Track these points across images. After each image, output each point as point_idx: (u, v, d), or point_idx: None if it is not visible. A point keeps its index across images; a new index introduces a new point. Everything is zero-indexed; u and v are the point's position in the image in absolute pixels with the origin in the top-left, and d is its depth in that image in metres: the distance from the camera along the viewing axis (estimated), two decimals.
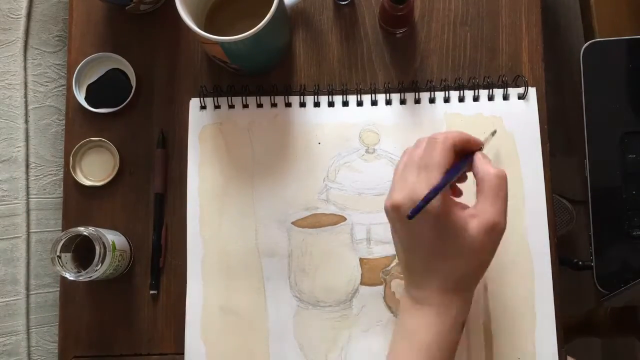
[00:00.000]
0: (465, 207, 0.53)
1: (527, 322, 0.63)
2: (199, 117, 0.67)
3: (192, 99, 0.68)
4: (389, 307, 0.64)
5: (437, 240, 0.51)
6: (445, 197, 0.51)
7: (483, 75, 0.67)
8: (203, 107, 0.68)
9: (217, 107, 0.68)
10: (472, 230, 0.50)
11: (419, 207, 0.48)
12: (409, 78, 0.68)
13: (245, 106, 0.68)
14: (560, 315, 0.63)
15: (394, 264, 0.64)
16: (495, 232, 0.51)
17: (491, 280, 0.64)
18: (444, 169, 0.51)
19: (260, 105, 0.68)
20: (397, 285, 0.64)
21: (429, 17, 0.69)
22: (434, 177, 0.50)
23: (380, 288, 0.64)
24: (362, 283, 0.64)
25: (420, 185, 0.50)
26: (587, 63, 0.82)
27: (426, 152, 0.52)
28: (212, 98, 0.67)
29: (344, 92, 0.67)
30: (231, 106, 0.68)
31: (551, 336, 0.62)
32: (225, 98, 0.67)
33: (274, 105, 0.68)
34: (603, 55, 0.82)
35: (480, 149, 0.55)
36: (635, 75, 0.82)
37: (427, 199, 0.49)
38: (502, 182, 0.52)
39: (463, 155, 0.55)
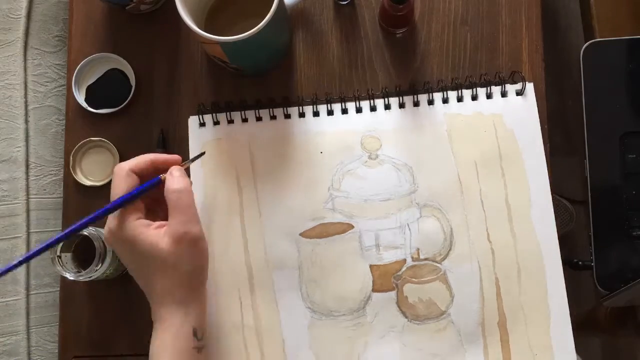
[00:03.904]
0: (161, 225, 0.55)
1: (541, 318, 0.62)
2: (199, 134, 0.67)
3: (191, 117, 0.67)
4: (403, 312, 0.63)
5: (136, 262, 0.55)
6: (129, 221, 0.53)
7: (480, 74, 0.67)
8: (202, 125, 0.67)
9: (216, 123, 0.67)
10: (164, 245, 0.53)
11: (11, 266, 0.51)
12: (409, 78, 0.68)
13: (245, 120, 0.67)
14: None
15: (404, 268, 0.64)
16: (185, 240, 0.53)
17: (503, 278, 0.63)
18: (118, 196, 0.54)
19: (259, 119, 0.67)
20: (410, 289, 0.63)
21: (429, 17, 0.69)
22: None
23: (393, 293, 0.64)
24: (374, 290, 0.64)
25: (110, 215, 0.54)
26: (587, 63, 0.82)
27: (112, 182, 0.55)
28: (210, 115, 0.67)
29: (342, 100, 0.67)
30: (230, 121, 0.67)
31: (567, 330, 0.62)
32: (224, 114, 0.67)
33: (273, 117, 0.67)
34: (603, 55, 0.82)
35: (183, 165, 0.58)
36: (635, 75, 0.81)
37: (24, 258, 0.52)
38: (180, 194, 0.54)
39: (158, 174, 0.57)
